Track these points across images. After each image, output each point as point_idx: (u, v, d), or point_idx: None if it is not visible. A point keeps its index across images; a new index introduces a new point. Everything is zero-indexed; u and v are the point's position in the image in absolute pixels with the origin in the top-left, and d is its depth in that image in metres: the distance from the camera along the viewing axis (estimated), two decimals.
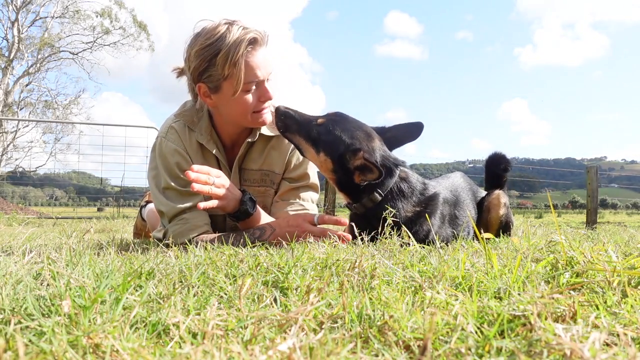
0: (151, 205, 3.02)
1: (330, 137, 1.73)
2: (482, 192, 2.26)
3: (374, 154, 1.72)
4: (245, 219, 1.81)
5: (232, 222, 2.03)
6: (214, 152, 1.95)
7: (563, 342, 0.55)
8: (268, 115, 1.89)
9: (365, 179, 1.69)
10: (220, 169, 1.92)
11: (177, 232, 1.84)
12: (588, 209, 6.97)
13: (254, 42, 1.76)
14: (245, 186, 1.99)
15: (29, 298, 0.72)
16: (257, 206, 1.86)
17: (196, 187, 1.61)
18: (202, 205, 1.67)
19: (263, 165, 2.02)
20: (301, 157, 2.05)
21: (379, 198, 1.75)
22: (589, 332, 0.60)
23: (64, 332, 0.61)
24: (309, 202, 2.06)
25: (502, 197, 2.14)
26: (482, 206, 2.14)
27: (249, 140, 1.98)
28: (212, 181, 1.68)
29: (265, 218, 1.88)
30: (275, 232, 1.73)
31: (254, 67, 1.76)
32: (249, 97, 1.81)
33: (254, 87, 1.81)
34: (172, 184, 1.87)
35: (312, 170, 2.10)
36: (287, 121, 1.79)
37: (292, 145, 2.00)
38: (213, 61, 1.74)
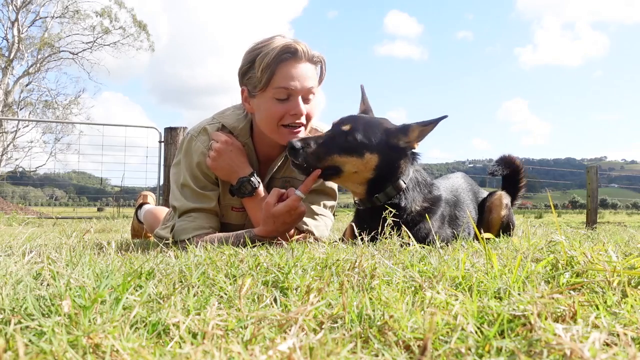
0: (147, 207, 3.01)
1: (366, 135, 1.71)
2: (484, 193, 2.26)
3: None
4: (240, 197, 1.89)
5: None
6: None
7: (563, 342, 0.55)
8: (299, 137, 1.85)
9: (420, 139, 1.75)
10: None
11: (181, 227, 1.89)
12: (588, 209, 6.97)
13: (293, 52, 1.77)
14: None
15: (29, 298, 0.72)
16: (260, 193, 1.90)
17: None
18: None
19: (285, 172, 2.04)
20: None
21: (404, 185, 1.77)
22: (589, 332, 0.60)
23: (64, 332, 0.61)
24: (317, 206, 2.06)
25: (504, 198, 2.14)
26: (483, 207, 2.14)
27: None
28: (211, 146, 1.84)
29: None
30: (264, 228, 1.76)
31: (287, 74, 1.76)
32: (279, 105, 1.79)
33: (286, 98, 1.79)
34: (191, 182, 1.91)
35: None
36: (310, 150, 1.71)
37: None
38: (253, 63, 1.79)
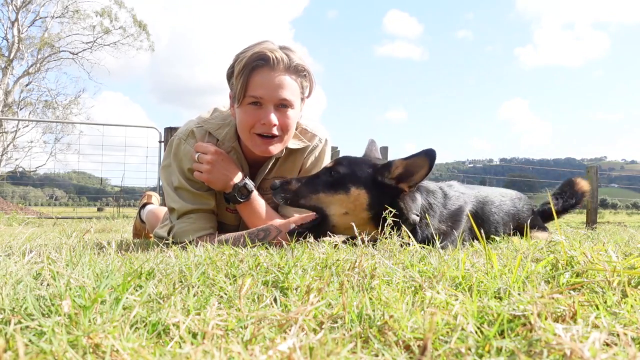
0: (150, 207, 3.02)
1: (350, 168, 1.63)
2: (525, 214, 2.15)
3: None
4: (235, 203, 1.87)
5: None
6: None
7: (563, 342, 0.55)
8: (273, 147, 1.83)
9: (414, 180, 1.58)
10: None
11: (182, 230, 1.89)
12: (588, 209, 6.97)
13: (266, 60, 1.73)
14: (261, 195, 1.99)
15: (29, 298, 0.72)
16: (255, 198, 1.88)
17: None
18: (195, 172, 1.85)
19: (277, 172, 2.03)
20: (313, 159, 2.06)
21: (417, 219, 1.64)
22: (589, 332, 0.60)
23: (64, 332, 0.61)
24: None
25: (542, 234, 2.09)
26: (521, 227, 2.05)
27: (276, 156, 1.97)
28: (200, 159, 1.83)
29: (262, 212, 1.88)
30: (281, 233, 1.75)
31: (256, 82, 1.74)
32: (251, 113, 1.77)
33: (258, 105, 1.76)
34: (186, 184, 1.91)
35: None
36: (291, 187, 1.66)
37: (306, 153, 2.03)
38: (233, 69, 1.79)
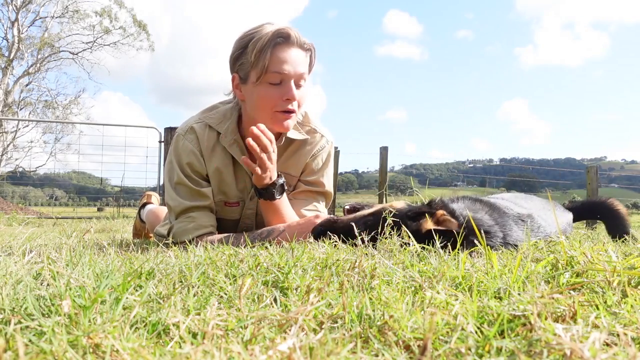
0: (150, 207, 3.02)
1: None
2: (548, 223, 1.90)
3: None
4: (268, 199, 1.82)
5: (243, 226, 2.04)
6: (235, 156, 1.94)
7: (563, 342, 0.55)
8: (290, 122, 1.84)
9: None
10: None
11: (181, 229, 1.87)
12: None
13: (286, 37, 1.76)
14: None
15: (29, 298, 0.72)
16: (285, 197, 1.88)
17: (252, 143, 1.68)
18: (243, 158, 1.76)
19: (281, 168, 2.01)
20: (320, 163, 2.06)
21: None
22: (589, 332, 0.60)
23: (64, 332, 0.61)
24: (322, 206, 2.08)
25: None
26: None
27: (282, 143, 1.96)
28: (271, 149, 1.74)
29: (287, 212, 1.88)
30: (284, 232, 1.74)
31: (280, 58, 1.75)
32: (272, 90, 1.78)
33: (279, 82, 1.78)
34: (185, 180, 1.90)
35: (328, 180, 2.11)
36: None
37: (314, 151, 2.02)
38: (245, 49, 1.78)
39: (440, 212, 1.51)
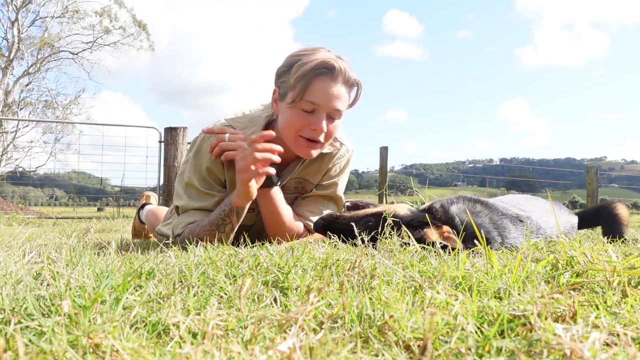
0: (149, 207, 3.02)
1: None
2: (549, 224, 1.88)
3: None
4: (266, 187, 1.84)
5: (255, 231, 2.05)
6: None
7: (563, 342, 0.55)
8: (315, 152, 1.86)
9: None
10: None
11: (177, 222, 1.90)
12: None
13: (330, 69, 1.75)
14: (284, 194, 1.99)
15: (29, 298, 0.72)
16: (280, 193, 1.89)
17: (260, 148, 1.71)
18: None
19: (301, 174, 2.03)
20: (337, 170, 2.08)
21: None
22: (589, 332, 0.60)
23: (64, 332, 0.61)
24: (328, 211, 2.08)
25: None
26: None
27: (304, 160, 1.98)
28: (224, 138, 1.78)
29: (282, 205, 1.89)
30: (232, 199, 1.76)
31: (318, 90, 1.75)
32: (303, 117, 1.78)
33: (311, 111, 1.78)
34: (196, 183, 1.90)
35: (342, 185, 2.12)
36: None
37: (334, 159, 2.05)
38: (290, 69, 1.78)
39: (446, 228, 1.53)
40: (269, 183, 1.83)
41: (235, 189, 1.79)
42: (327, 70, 1.75)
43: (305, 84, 1.73)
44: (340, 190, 2.12)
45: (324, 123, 1.78)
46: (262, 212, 1.92)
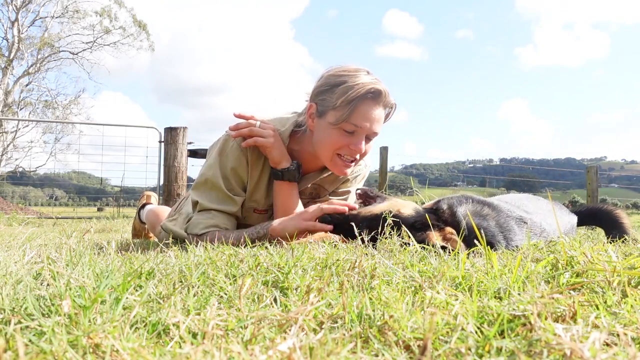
0: (150, 207, 3.02)
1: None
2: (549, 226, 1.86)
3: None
4: (289, 180, 1.90)
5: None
6: None
7: (563, 342, 0.55)
8: (349, 170, 1.91)
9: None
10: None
11: (197, 221, 1.89)
12: None
13: (377, 95, 1.79)
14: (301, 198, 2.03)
15: (29, 298, 0.72)
16: (297, 188, 1.94)
17: (236, 113, 1.84)
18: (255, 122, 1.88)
19: (317, 180, 2.06)
20: (353, 182, 2.14)
21: None
22: (589, 332, 0.60)
23: (64, 332, 0.61)
24: None
25: None
26: None
27: (328, 172, 2.03)
28: (255, 124, 1.85)
29: (296, 200, 1.93)
30: (272, 226, 1.77)
31: (363, 114, 1.78)
32: (343, 137, 1.81)
33: (352, 132, 1.81)
34: (221, 183, 1.90)
35: (355, 195, 2.15)
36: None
37: (350, 175, 2.11)
38: (334, 89, 1.80)
39: (449, 229, 1.54)
40: (286, 174, 1.88)
41: (280, 218, 1.82)
42: (373, 96, 1.79)
43: (353, 107, 1.77)
44: (352, 199, 2.16)
45: (363, 144, 1.83)
46: (276, 204, 1.94)
